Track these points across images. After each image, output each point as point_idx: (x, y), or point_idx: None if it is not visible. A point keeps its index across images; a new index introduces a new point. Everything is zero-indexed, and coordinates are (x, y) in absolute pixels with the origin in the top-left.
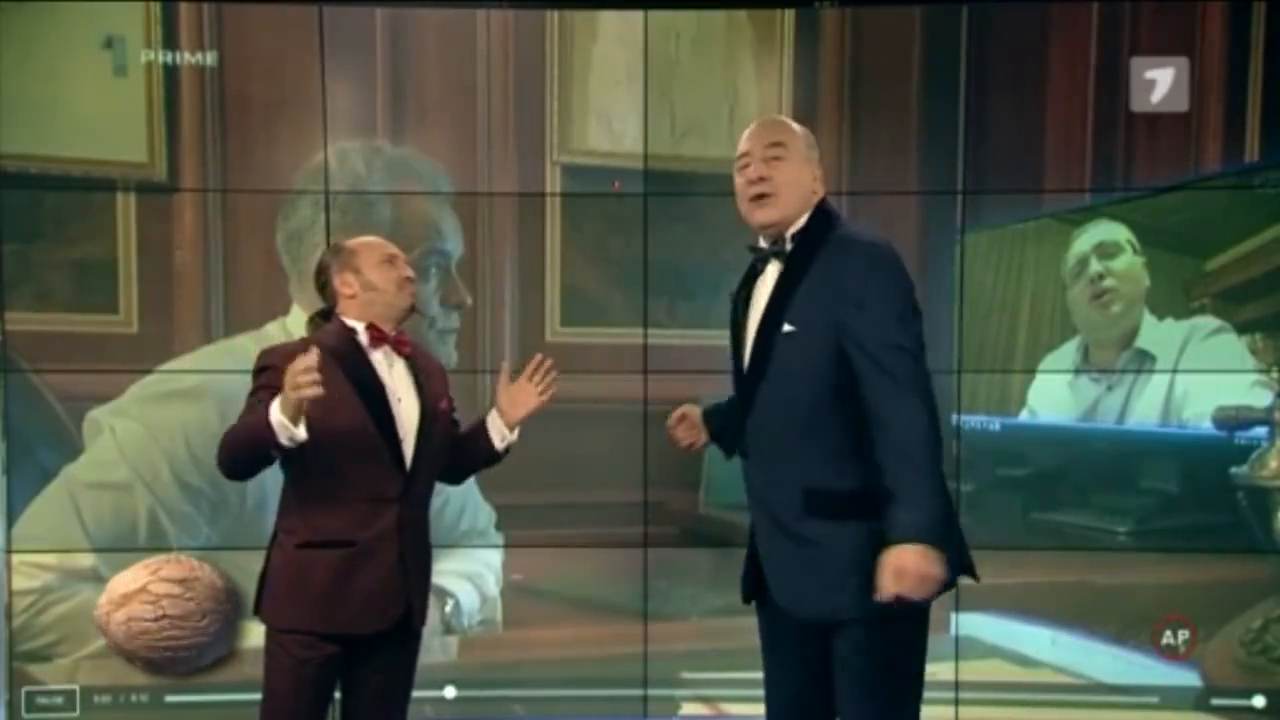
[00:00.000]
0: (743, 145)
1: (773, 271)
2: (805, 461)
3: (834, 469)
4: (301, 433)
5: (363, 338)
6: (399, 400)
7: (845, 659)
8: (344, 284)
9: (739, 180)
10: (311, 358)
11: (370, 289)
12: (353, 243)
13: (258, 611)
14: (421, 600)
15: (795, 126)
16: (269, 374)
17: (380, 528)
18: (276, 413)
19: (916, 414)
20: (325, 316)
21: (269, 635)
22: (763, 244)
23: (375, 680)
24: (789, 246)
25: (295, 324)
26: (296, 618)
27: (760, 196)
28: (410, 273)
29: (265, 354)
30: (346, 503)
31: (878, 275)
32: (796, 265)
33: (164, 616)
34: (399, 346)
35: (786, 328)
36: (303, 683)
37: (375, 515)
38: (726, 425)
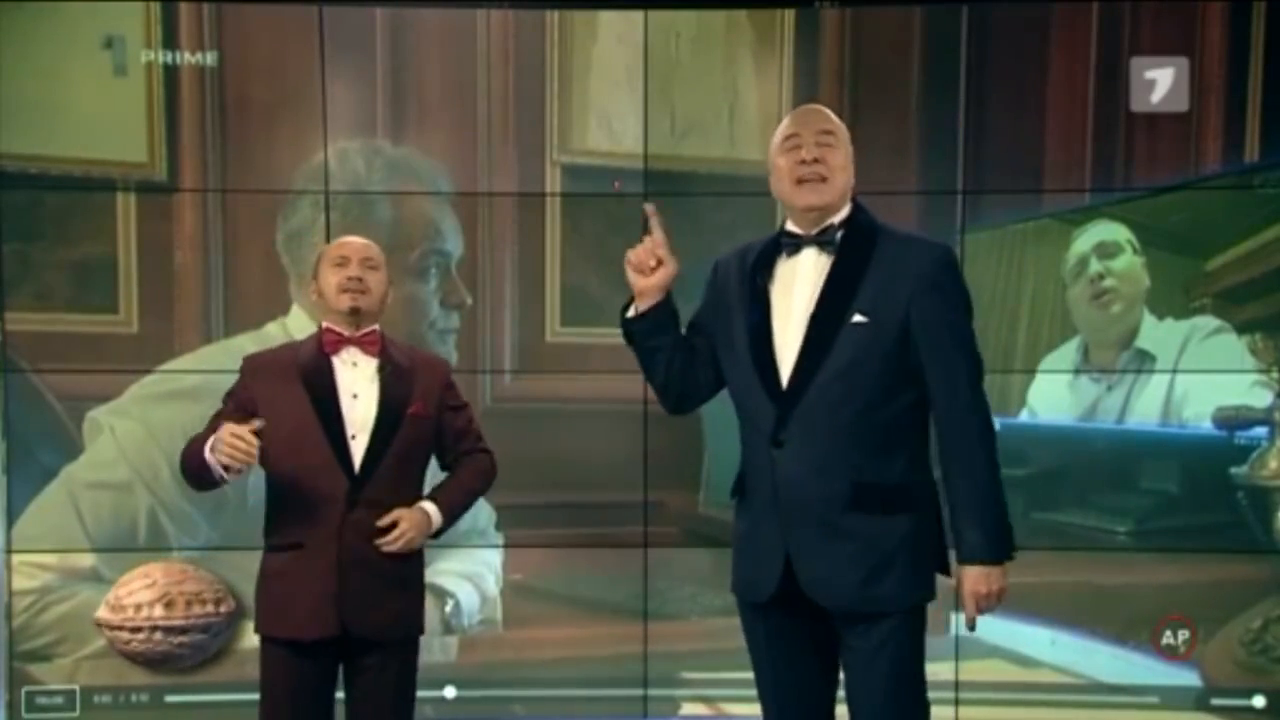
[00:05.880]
0: (789, 126)
1: (809, 258)
2: (856, 453)
3: (882, 462)
4: (231, 477)
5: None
6: (354, 397)
7: (874, 649)
8: (314, 288)
9: (784, 161)
10: (245, 431)
11: (319, 293)
12: (329, 244)
13: None
14: (365, 611)
15: (837, 119)
16: (238, 386)
17: (322, 530)
18: (209, 454)
19: (984, 423)
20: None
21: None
22: (793, 229)
23: (361, 683)
24: (838, 235)
25: (295, 324)
26: (262, 619)
27: (811, 180)
28: (357, 274)
29: (244, 361)
30: (298, 504)
31: (952, 273)
32: (854, 255)
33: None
34: (365, 346)
35: (858, 318)
36: (277, 681)
37: (319, 517)
38: (663, 330)
